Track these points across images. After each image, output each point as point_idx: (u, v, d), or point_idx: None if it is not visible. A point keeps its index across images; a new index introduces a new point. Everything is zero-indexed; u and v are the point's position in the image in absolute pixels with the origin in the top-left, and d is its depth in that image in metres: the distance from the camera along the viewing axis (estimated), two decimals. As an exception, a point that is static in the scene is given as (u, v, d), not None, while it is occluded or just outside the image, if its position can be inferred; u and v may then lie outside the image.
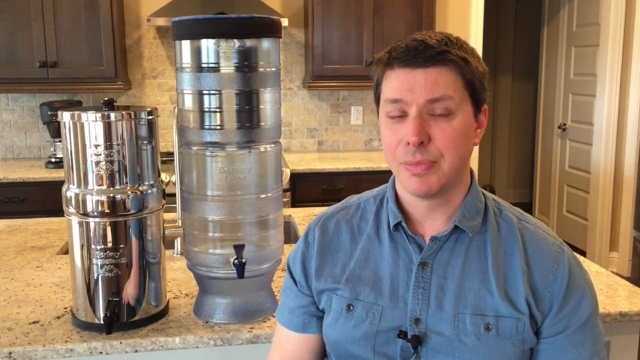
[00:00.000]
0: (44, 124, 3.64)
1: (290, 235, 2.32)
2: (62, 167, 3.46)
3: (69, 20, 3.44)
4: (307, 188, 3.52)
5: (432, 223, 1.06)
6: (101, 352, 1.33)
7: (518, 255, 1.03)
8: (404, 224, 1.06)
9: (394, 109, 0.99)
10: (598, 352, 1.03)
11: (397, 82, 0.98)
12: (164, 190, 1.45)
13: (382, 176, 3.55)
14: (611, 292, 1.56)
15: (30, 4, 3.40)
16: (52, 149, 3.60)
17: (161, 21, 3.43)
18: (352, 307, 1.07)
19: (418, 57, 0.96)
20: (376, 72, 1.04)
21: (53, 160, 3.55)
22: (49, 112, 3.47)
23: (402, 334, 1.02)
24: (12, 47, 3.43)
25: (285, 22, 3.52)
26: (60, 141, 3.51)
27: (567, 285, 1.01)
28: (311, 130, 4.14)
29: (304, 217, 2.38)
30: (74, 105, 3.64)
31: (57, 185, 3.16)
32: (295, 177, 3.48)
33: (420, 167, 0.98)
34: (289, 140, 4.09)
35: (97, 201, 1.34)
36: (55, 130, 3.54)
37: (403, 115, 0.98)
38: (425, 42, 0.97)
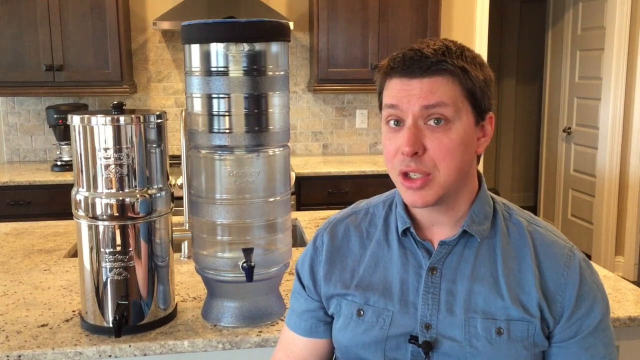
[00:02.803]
0: (49, 127, 3.65)
1: (296, 238, 2.32)
2: (67, 170, 3.48)
3: (75, 23, 3.46)
4: (312, 191, 3.52)
5: (440, 228, 1.07)
6: (110, 356, 1.34)
7: (529, 258, 1.03)
8: (412, 229, 1.07)
9: (392, 115, 1.00)
10: (610, 354, 1.03)
11: (394, 90, 1.00)
12: (172, 193, 1.45)
13: (387, 180, 3.53)
14: (620, 297, 1.56)
15: (36, 8, 3.41)
16: (58, 152, 3.61)
17: (167, 25, 3.44)
18: (362, 312, 1.07)
19: (414, 66, 0.97)
20: (378, 81, 1.05)
21: (59, 163, 3.55)
22: (54, 116, 3.48)
23: (413, 339, 1.02)
24: (18, 51, 3.44)
25: (290, 25, 3.53)
26: (66, 144, 3.54)
27: (578, 289, 1.01)
28: (316, 134, 4.14)
29: (309, 220, 2.38)
30: (80, 108, 3.65)
31: (63, 188, 3.21)
32: (300, 180, 3.48)
33: (415, 183, 0.98)
34: (294, 144, 4.09)
35: (107, 204, 1.34)
36: (61, 134, 3.55)
37: (401, 125, 0.99)
38: (422, 52, 0.97)
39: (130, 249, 1.36)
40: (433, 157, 0.97)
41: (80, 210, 1.36)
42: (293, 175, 3.35)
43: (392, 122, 1.00)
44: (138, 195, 1.36)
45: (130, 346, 1.34)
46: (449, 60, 0.97)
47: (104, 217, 1.35)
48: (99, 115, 1.32)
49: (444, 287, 1.03)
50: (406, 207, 1.09)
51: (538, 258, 1.03)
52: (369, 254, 1.11)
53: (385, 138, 1.02)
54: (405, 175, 0.99)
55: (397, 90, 0.99)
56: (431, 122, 0.97)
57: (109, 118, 1.32)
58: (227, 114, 1.35)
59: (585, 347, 1.01)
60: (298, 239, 2.34)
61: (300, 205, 3.47)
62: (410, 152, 0.96)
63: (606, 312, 1.04)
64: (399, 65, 0.98)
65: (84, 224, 1.37)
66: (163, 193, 1.41)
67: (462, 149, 0.98)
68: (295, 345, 1.17)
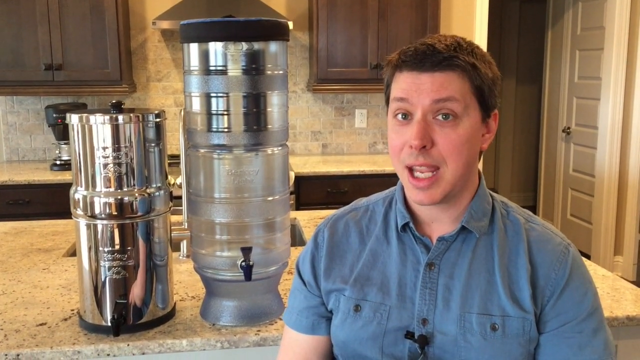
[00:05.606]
0: (49, 126, 3.65)
1: (295, 238, 2.33)
2: (67, 169, 3.48)
3: (74, 23, 3.45)
4: (311, 191, 3.52)
5: (440, 224, 1.07)
6: (108, 354, 1.34)
7: (523, 254, 1.04)
8: (411, 224, 1.07)
9: (400, 108, 1.00)
10: (608, 356, 1.02)
11: (404, 84, 1.00)
12: (171, 192, 1.45)
13: (386, 179, 3.56)
14: (618, 296, 1.56)
15: (36, 7, 3.41)
16: (57, 152, 3.61)
17: (166, 24, 3.44)
18: (359, 308, 1.08)
19: (425, 61, 0.97)
20: (387, 74, 1.05)
21: (58, 162, 3.55)
22: (54, 115, 3.48)
23: (409, 335, 1.02)
24: (17, 50, 3.44)
25: (290, 25, 3.53)
26: (65, 144, 3.53)
27: (565, 282, 1.02)
28: (315, 133, 4.14)
29: (309, 219, 2.38)
30: (79, 107, 3.65)
31: (62, 187, 3.20)
32: (300, 180, 3.48)
33: (422, 182, 0.99)
34: (293, 143, 4.09)
35: (105, 203, 1.34)
36: (60, 133, 3.55)
37: (408, 118, 0.99)
38: (434, 47, 0.98)
39: (129, 248, 1.36)
40: (441, 151, 0.98)
41: (79, 209, 1.36)
42: (292, 174, 3.35)
43: (399, 116, 1.00)
44: (137, 194, 1.36)
45: (128, 345, 1.34)
46: (461, 56, 0.98)
47: (103, 216, 1.35)
48: (97, 114, 1.32)
49: (441, 283, 1.04)
50: (406, 203, 1.10)
51: (531, 253, 1.04)
52: (368, 250, 1.11)
53: (392, 131, 1.02)
54: (411, 170, 0.99)
55: (407, 83, 0.99)
56: (440, 117, 0.97)
57: (107, 117, 1.32)
58: (225, 113, 1.35)
59: (578, 345, 1.01)
60: (297, 238, 2.34)
61: (300, 205, 3.47)
62: (419, 145, 0.96)
63: (596, 310, 1.03)
64: (410, 59, 0.98)
65: (83, 223, 1.37)
66: (162, 192, 1.41)
67: (468, 146, 0.99)
68: (298, 345, 1.16)
